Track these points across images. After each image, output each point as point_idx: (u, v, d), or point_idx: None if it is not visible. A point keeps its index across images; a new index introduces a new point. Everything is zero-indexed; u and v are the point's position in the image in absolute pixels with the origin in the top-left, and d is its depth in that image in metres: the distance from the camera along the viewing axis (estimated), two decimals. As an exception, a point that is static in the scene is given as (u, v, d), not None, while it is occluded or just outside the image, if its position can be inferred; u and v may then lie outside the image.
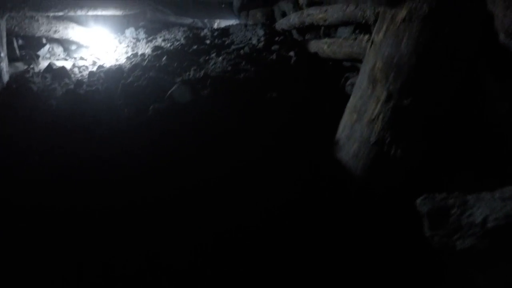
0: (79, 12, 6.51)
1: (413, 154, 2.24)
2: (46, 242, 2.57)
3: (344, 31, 4.27)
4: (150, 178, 3.00)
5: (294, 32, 5.85)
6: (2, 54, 4.71)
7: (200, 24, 10.56)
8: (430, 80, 2.20)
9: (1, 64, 4.63)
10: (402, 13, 2.32)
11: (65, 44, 6.92)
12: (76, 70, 5.77)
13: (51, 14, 5.98)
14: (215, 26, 10.81)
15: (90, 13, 6.85)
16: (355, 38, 3.63)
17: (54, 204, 2.81)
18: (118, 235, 2.66)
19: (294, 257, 2.42)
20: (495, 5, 1.83)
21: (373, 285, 2.24)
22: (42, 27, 6.09)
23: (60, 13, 6.07)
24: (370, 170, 2.36)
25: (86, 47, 7.21)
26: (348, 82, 3.66)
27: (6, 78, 4.70)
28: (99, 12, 7.13)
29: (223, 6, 8.77)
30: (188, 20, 9.99)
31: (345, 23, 4.15)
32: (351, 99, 2.69)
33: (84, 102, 3.89)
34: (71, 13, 6.35)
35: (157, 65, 4.66)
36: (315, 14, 4.51)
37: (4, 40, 4.85)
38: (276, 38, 5.66)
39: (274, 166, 3.04)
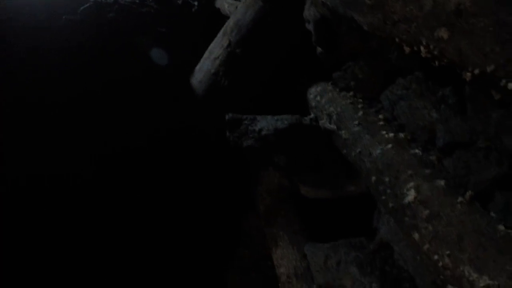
0: None
1: (236, 86, 3.10)
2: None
3: (245, -2, 4.95)
4: (59, 78, 3.55)
5: (209, -14, 6.38)
6: None
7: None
8: (257, 41, 3.09)
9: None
10: (255, -7, 3.18)
11: None
12: None
13: None
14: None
15: None
16: None
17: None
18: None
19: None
20: (306, 5, 2.68)
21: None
22: None
23: None
24: (208, 91, 3.20)
25: None
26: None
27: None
28: None
29: None
30: None
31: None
32: (211, 44, 3.49)
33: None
34: None
35: None
36: None
37: None
38: (191, -13, 6.23)
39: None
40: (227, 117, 2.59)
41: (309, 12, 2.58)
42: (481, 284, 1.20)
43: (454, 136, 1.65)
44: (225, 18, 4.77)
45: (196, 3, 5.21)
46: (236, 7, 4.36)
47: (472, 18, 1.21)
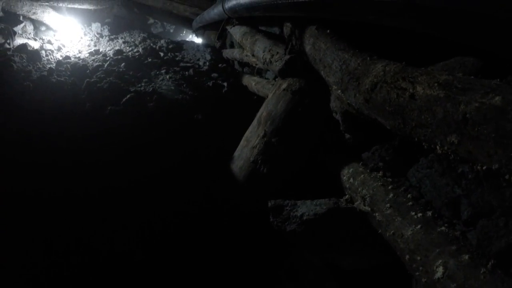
0: (61, 4, 7.40)
1: (274, 173, 3.31)
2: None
3: (270, 75, 5.21)
4: (102, 166, 3.78)
5: (236, 62, 6.71)
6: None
7: (159, 28, 11.38)
8: (290, 130, 3.34)
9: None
10: (284, 85, 3.50)
11: (36, 24, 7.50)
12: (43, 53, 6.35)
13: (40, 3, 6.80)
14: (172, 30, 11.66)
15: (69, 6, 7.73)
16: (273, 84, 4.39)
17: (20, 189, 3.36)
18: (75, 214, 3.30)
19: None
20: (331, 96, 2.97)
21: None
22: (24, 8, 6.90)
23: (46, 3, 6.92)
24: (247, 178, 3.39)
25: (55, 30, 7.78)
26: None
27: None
28: (76, 6, 7.98)
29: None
30: (150, 21, 10.74)
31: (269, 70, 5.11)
32: (247, 131, 3.76)
33: (55, 90, 4.63)
34: (54, 4, 7.18)
35: (117, 70, 5.48)
36: (251, 57, 5.35)
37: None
38: (220, 65, 6.59)
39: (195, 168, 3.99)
40: (269, 204, 2.80)
41: (335, 104, 2.85)
42: None
43: (476, 208, 1.83)
44: (253, 94, 5.09)
45: (225, 83, 5.51)
46: (263, 86, 4.67)
47: (477, 126, 1.42)
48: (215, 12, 5.87)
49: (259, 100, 4.80)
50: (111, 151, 3.95)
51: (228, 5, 4.76)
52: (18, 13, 6.92)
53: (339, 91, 2.55)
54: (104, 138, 4.05)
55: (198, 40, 9.71)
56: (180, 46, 7.98)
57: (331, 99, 2.96)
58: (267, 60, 3.93)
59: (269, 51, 3.97)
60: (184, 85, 5.24)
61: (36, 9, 7.07)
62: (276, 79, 4.15)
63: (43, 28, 7.64)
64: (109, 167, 3.79)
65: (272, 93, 3.68)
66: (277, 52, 3.78)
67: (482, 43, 1.85)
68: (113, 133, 4.12)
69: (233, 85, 5.60)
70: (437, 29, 1.91)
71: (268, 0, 3.19)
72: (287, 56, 3.50)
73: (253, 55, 4.84)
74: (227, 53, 6.95)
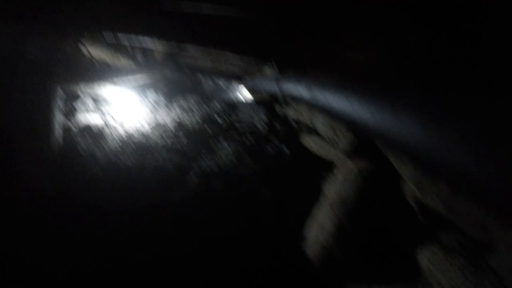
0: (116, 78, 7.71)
1: (346, 256, 3.31)
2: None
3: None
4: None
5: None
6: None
7: (210, 83, 11.64)
8: (362, 214, 3.37)
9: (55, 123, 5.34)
10: (353, 166, 3.54)
11: (94, 98, 7.79)
12: (106, 130, 6.55)
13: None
14: (223, 85, 11.89)
15: (124, 78, 8.09)
16: (337, 149, 4.27)
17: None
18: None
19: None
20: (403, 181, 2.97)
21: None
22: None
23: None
24: (319, 260, 3.40)
25: (112, 103, 8.05)
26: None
27: (58, 134, 5.35)
28: (129, 77, 8.29)
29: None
30: (201, 77, 11.03)
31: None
32: (317, 212, 3.76)
33: (123, 175, 4.82)
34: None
35: (178, 145, 5.70)
36: (308, 120, 5.35)
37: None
38: (276, 124, 6.60)
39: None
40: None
41: (408, 191, 2.85)
42: None
43: None
44: (315, 157, 5.08)
45: (284, 146, 5.55)
46: (325, 149, 4.65)
47: None
48: (268, 86, 5.62)
49: (321, 161, 4.79)
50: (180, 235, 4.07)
51: (286, 89, 4.47)
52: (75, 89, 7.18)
53: (414, 187, 2.55)
54: (173, 226, 4.17)
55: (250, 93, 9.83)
56: (235, 106, 8.10)
57: (402, 182, 2.95)
58: (330, 137, 3.94)
59: (330, 126, 3.98)
60: (245, 155, 5.32)
61: (92, 84, 7.33)
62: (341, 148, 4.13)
63: (101, 101, 7.82)
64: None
65: (341, 174, 3.69)
66: (340, 129, 3.79)
67: None
68: (180, 217, 4.25)
69: (293, 147, 5.58)
70: None
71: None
72: (352, 136, 3.50)
73: (311, 124, 4.84)
74: (282, 111, 6.96)
